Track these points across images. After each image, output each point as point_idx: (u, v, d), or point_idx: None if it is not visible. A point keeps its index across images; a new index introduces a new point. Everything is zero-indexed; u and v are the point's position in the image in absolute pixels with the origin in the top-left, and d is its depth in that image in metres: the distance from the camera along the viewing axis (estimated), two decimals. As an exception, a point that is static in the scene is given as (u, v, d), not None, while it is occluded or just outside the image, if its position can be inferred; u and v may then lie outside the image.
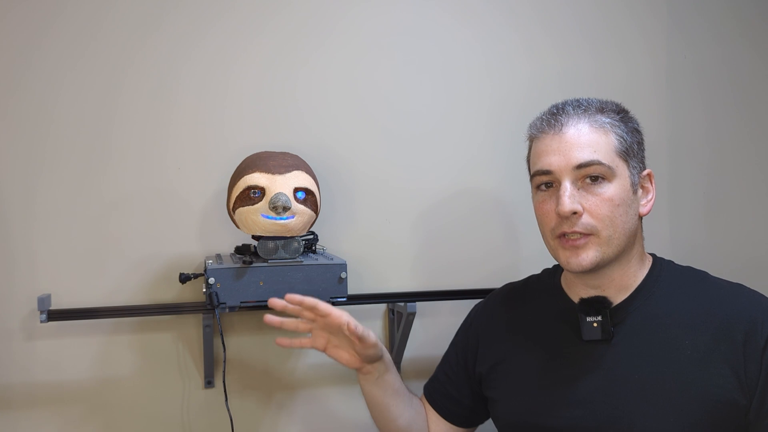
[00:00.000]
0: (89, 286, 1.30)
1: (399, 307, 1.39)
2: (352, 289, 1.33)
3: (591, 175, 0.97)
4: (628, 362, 0.97)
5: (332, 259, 1.25)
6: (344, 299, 1.23)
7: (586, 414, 0.98)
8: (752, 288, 1.01)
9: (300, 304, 1.02)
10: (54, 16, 1.29)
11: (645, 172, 1.03)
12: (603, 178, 0.97)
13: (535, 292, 1.14)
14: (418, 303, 1.34)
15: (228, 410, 1.24)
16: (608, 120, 0.99)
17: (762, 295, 0.99)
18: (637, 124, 1.04)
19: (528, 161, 1.07)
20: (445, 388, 1.18)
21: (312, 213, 1.21)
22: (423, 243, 1.47)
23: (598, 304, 1.00)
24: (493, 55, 1.50)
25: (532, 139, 1.06)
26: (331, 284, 1.21)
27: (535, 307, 1.11)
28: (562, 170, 0.97)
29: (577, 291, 1.06)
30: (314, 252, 1.32)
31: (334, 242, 1.41)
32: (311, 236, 1.33)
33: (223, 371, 1.28)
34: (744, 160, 1.65)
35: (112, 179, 1.31)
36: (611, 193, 0.96)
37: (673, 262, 1.07)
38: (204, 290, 1.18)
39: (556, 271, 1.14)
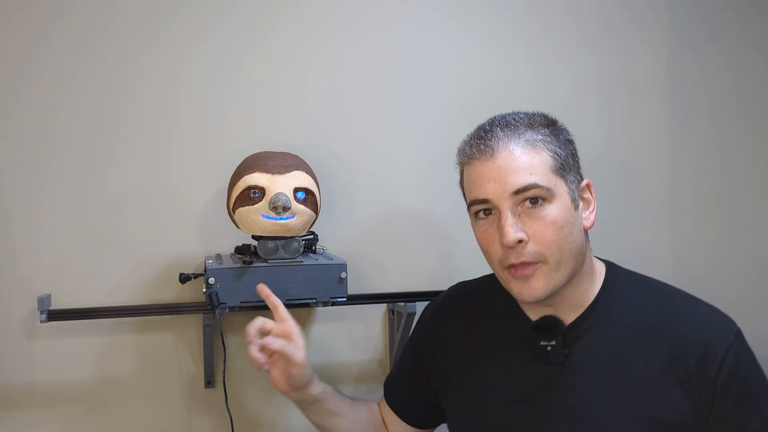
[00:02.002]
0: (89, 286, 1.30)
1: (399, 307, 1.39)
2: (352, 289, 1.33)
3: (530, 197, 0.91)
4: (582, 385, 0.95)
5: (332, 259, 1.25)
6: (344, 299, 1.23)
7: None
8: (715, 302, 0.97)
9: (267, 298, 1.04)
10: (55, 17, 1.29)
11: (583, 183, 0.97)
12: (543, 200, 0.91)
13: (492, 300, 1.06)
14: (418, 303, 1.34)
15: (228, 410, 1.24)
16: (539, 137, 0.93)
17: (716, 311, 0.95)
18: (568, 134, 0.98)
19: (462, 188, 1.01)
20: (403, 392, 1.15)
21: (312, 213, 1.21)
22: (423, 243, 1.47)
23: (550, 328, 0.96)
24: (501, 57, 1.50)
25: (463, 166, 0.99)
26: (331, 284, 1.21)
27: (492, 321, 1.06)
28: (500, 198, 0.91)
29: (531, 308, 1.01)
30: (314, 252, 1.32)
31: (334, 242, 1.41)
32: (311, 236, 1.33)
33: (223, 371, 1.28)
34: (746, 161, 1.65)
35: (112, 179, 1.31)
36: (554, 216, 0.91)
37: (626, 271, 1.02)
38: (204, 290, 1.18)
39: None
